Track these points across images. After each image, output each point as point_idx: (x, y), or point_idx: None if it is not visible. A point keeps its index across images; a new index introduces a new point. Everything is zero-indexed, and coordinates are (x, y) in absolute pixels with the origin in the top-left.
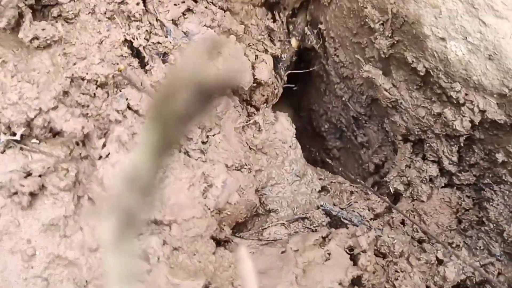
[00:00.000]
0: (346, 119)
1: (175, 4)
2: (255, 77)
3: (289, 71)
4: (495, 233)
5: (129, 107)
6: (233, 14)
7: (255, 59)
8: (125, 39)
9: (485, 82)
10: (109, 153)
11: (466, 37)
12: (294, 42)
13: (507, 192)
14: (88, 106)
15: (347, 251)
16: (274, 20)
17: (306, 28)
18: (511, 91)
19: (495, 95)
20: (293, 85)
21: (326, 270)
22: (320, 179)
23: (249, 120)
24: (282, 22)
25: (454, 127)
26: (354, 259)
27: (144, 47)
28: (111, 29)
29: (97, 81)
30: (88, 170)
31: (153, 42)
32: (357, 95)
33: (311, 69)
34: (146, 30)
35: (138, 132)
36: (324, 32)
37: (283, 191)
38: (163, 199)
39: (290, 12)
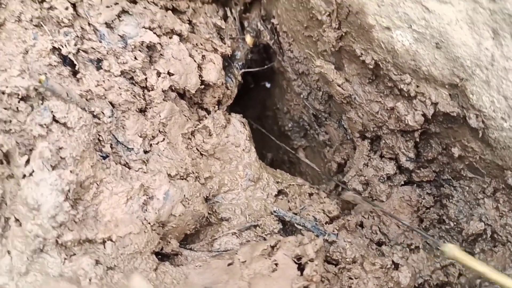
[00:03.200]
0: (307, 116)
1: (107, 6)
2: (202, 78)
3: (244, 70)
4: (456, 231)
5: (55, 120)
6: (179, 13)
7: (202, 60)
8: (54, 47)
9: (435, 73)
10: (33, 171)
11: (411, 25)
12: (248, 39)
13: (467, 187)
14: (10, 121)
15: (295, 260)
16: (226, 17)
17: (259, 24)
18: (462, 80)
19: (446, 86)
20: (267, 83)
21: (272, 283)
22: (277, 182)
23: (199, 125)
24: (235, 18)
25: (406, 122)
26: (302, 268)
27: (74, 54)
28: (38, 37)
29: (18, 94)
30: (14, 190)
31: (85, 48)
32: (315, 92)
33: (265, 67)
34: (77, 36)
35: (64, 147)
36: (277, 26)
37: (237, 198)
38: (97, 216)
39: (243, 8)
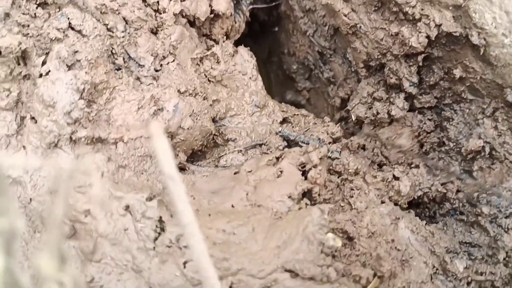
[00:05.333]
0: (312, 56)
1: None
2: (212, 7)
3: (252, 6)
4: (455, 152)
5: (71, 27)
6: None
7: None
8: None
9: None
10: (49, 71)
11: None
12: None
13: (467, 110)
14: (28, 26)
15: (299, 168)
16: None
17: None
18: (466, 1)
19: (450, 8)
20: (275, 28)
21: (277, 186)
22: (282, 111)
23: (207, 52)
24: None
25: (410, 44)
26: (305, 175)
27: None
28: None
29: (36, 0)
30: (30, 90)
31: None
32: (320, 28)
33: (273, 3)
34: None
35: (79, 50)
36: None
37: (243, 122)
38: (109, 120)
39: None
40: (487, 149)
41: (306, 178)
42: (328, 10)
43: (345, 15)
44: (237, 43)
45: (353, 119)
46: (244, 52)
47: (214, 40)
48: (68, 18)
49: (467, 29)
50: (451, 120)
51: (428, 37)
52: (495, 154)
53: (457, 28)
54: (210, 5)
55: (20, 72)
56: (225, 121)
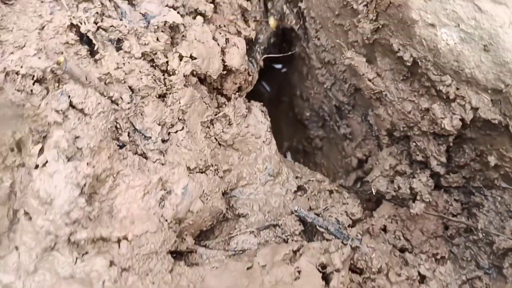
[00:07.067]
0: (328, 107)
1: None
2: (225, 63)
3: (266, 55)
4: (484, 243)
5: (72, 105)
6: None
7: (226, 43)
8: (71, 24)
9: (478, 76)
10: (46, 161)
11: (458, 24)
12: (272, 22)
13: (499, 198)
14: (23, 105)
15: (320, 268)
16: None
17: (285, 6)
18: (508, 86)
19: (489, 91)
20: (280, 66)
21: None
22: (296, 177)
23: (219, 113)
24: None
25: (442, 125)
26: (326, 278)
27: (93, 33)
28: (55, 11)
29: (33, 75)
30: (24, 180)
31: (105, 26)
32: (339, 83)
33: (290, 52)
34: (97, 12)
35: (81, 136)
36: (305, 11)
37: (255, 193)
38: (112, 212)
39: None
40: None
41: (326, 282)
42: (351, 70)
43: (370, 80)
44: None
45: (373, 192)
46: (257, 112)
47: (226, 96)
48: (69, 96)
49: (507, 117)
50: (481, 206)
51: (462, 120)
52: None
53: (496, 115)
54: (223, 60)
55: (14, 161)
56: (236, 191)
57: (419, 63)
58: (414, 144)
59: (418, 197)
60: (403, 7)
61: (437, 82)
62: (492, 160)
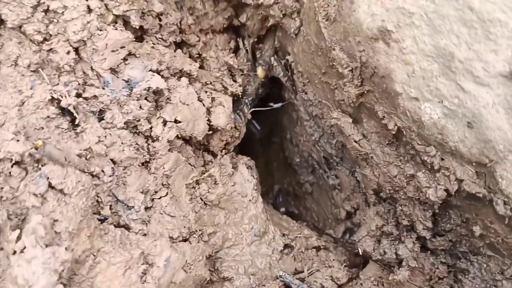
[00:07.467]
0: (317, 156)
1: (113, 51)
2: (211, 123)
3: (254, 109)
4: None
5: (51, 186)
6: (189, 47)
7: (211, 102)
8: (52, 97)
9: (463, 150)
10: (24, 247)
11: (442, 101)
12: (260, 72)
13: (485, 265)
14: (2, 188)
15: None
16: (237, 48)
17: (272, 58)
18: (492, 162)
19: (474, 164)
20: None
21: None
22: (283, 235)
23: (204, 173)
24: (247, 50)
25: (427, 195)
26: None
27: (75, 107)
28: (36, 86)
29: (11, 159)
30: (3, 264)
31: (86, 97)
32: (327, 136)
33: (279, 104)
34: (79, 83)
35: (59, 219)
36: (292, 64)
37: (241, 254)
38: None
39: (256, 39)
40: None
41: None
42: (337, 129)
43: (356, 142)
44: None
45: (360, 252)
46: (244, 169)
47: (212, 153)
48: (48, 178)
49: (492, 192)
50: (467, 272)
51: (447, 190)
52: None
53: (481, 189)
54: (208, 120)
55: None
56: (221, 253)
57: (404, 132)
58: (400, 208)
59: (403, 263)
60: (387, 79)
61: (421, 152)
62: (477, 230)
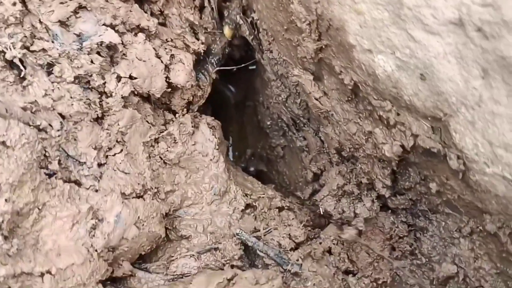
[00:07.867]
0: (286, 118)
1: (61, 2)
2: (170, 81)
3: (219, 68)
4: (427, 268)
5: None
6: (150, 3)
7: (171, 60)
8: None
9: (417, 104)
10: None
11: (394, 52)
12: (227, 31)
13: (443, 223)
14: None
15: None
16: (203, 7)
17: (238, 17)
18: (446, 116)
19: (429, 118)
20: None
21: None
22: (246, 195)
23: (163, 131)
24: (213, 8)
25: (383, 151)
26: None
27: (21, 59)
28: None
29: None
30: None
31: (34, 50)
32: (293, 96)
33: (243, 65)
34: (25, 36)
35: (0, 171)
36: (257, 22)
37: (200, 213)
38: (38, 244)
39: None
40: (461, 275)
41: None
42: (300, 87)
43: (316, 99)
44: None
45: (321, 212)
46: (205, 129)
47: (173, 111)
48: None
49: (446, 147)
50: (425, 231)
51: (403, 146)
52: (469, 281)
53: (436, 144)
54: (167, 78)
55: None
56: (180, 211)
57: (360, 87)
58: (359, 166)
59: (353, 223)
60: (341, 31)
61: (377, 107)
62: (434, 186)
